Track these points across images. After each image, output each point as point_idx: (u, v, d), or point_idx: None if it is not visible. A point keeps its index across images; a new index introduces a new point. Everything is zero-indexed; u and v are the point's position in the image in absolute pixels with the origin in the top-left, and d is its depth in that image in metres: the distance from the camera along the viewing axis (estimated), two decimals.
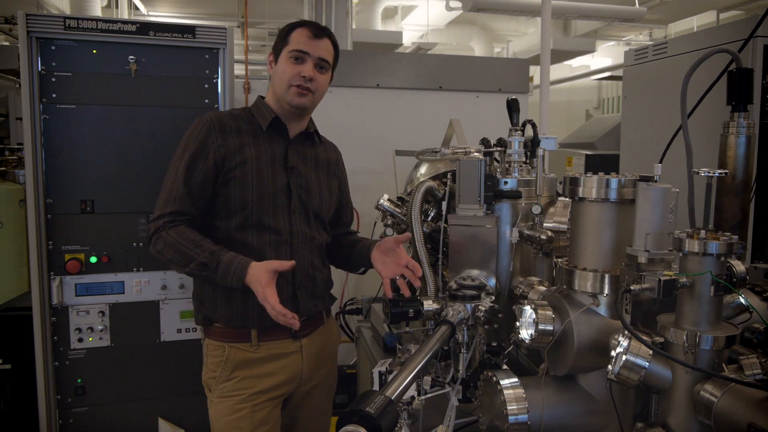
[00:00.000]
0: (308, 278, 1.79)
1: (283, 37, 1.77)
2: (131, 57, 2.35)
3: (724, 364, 1.10)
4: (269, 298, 1.52)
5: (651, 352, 1.10)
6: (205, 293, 1.77)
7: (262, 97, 1.85)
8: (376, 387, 1.44)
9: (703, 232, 1.11)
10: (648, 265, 1.15)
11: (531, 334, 1.26)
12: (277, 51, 1.78)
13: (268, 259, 1.68)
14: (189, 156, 1.69)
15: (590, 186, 1.26)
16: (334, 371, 2.00)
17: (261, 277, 1.55)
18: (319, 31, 1.76)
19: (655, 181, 1.17)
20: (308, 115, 1.86)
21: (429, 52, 8.01)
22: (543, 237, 1.53)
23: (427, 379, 1.39)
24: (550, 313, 1.28)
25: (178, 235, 1.63)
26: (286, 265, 1.60)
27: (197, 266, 1.60)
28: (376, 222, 2.17)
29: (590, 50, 8.22)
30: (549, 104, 3.64)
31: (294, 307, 1.76)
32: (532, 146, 1.73)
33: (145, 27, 2.36)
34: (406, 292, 1.64)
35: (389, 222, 2.07)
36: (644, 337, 1.11)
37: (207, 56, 2.46)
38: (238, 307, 1.72)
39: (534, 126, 1.78)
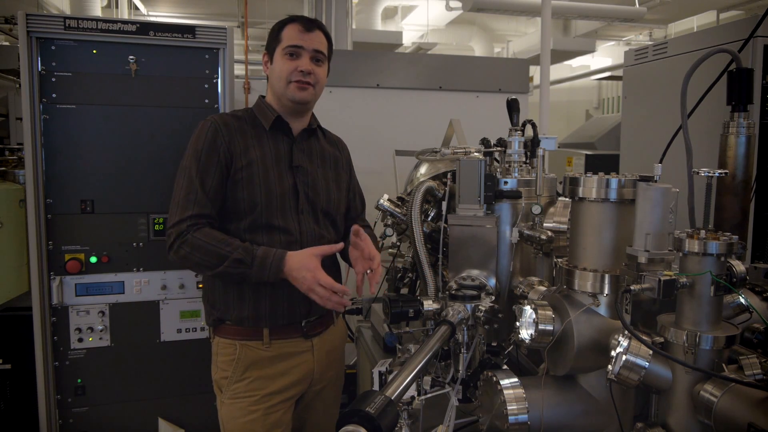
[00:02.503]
0: None
1: (274, 35, 1.76)
2: (131, 57, 2.35)
3: (724, 364, 1.10)
4: (323, 280, 1.54)
5: (651, 352, 1.10)
6: (216, 295, 1.77)
7: (263, 97, 1.84)
8: (376, 387, 1.44)
9: (703, 232, 1.11)
10: (648, 265, 1.15)
11: (531, 334, 1.26)
12: (270, 50, 1.77)
13: None
14: (201, 159, 1.68)
15: (590, 186, 1.26)
16: (342, 372, 2.01)
17: (307, 263, 1.56)
18: (310, 24, 1.75)
19: (655, 181, 1.17)
20: (310, 111, 1.86)
21: (429, 52, 8.01)
22: (543, 237, 1.53)
23: (427, 379, 1.39)
24: (550, 313, 1.28)
25: (205, 237, 1.62)
26: (335, 248, 1.60)
27: (231, 263, 1.59)
28: (376, 222, 2.17)
29: (590, 50, 8.23)
30: (549, 104, 3.64)
31: (307, 306, 1.76)
32: (532, 146, 1.73)
33: (145, 27, 2.36)
34: (359, 290, 1.66)
35: (389, 222, 2.07)
36: (644, 337, 1.11)
37: (207, 56, 2.46)
38: (249, 308, 1.72)
39: (534, 126, 1.78)
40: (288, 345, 1.77)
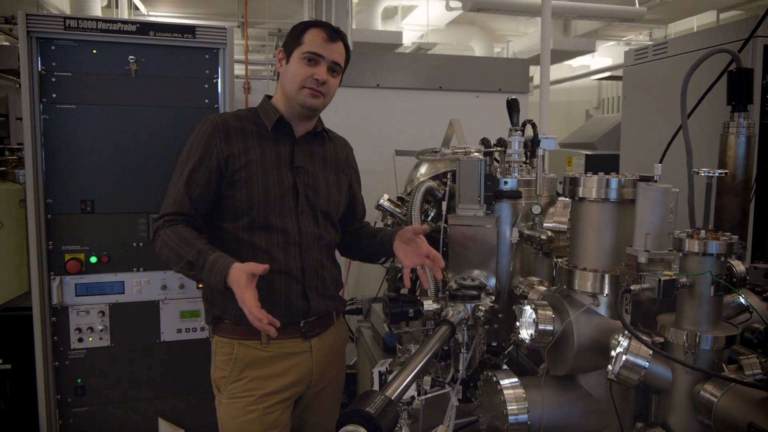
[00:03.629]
0: (318, 278, 1.79)
1: (296, 36, 1.74)
2: (131, 57, 2.35)
3: (724, 364, 1.10)
4: (247, 301, 1.47)
5: (651, 352, 1.10)
6: (214, 293, 1.77)
7: (269, 97, 1.84)
8: (376, 387, 1.44)
9: (703, 232, 1.11)
10: (648, 265, 1.15)
11: (531, 334, 1.26)
12: (288, 50, 1.76)
13: (277, 260, 1.69)
14: (193, 159, 1.69)
15: (590, 186, 1.26)
16: (342, 373, 2.00)
17: (240, 279, 1.50)
18: (333, 34, 1.74)
19: (655, 181, 1.17)
20: (316, 117, 1.86)
21: (429, 52, 8.00)
22: (543, 237, 1.53)
23: (427, 379, 1.39)
24: (550, 313, 1.28)
25: (173, 234, 1.63)
26: (260, 269, 1.52)
27: (185, 265, 1.59)
28: (376, 222, 2.17)
29: (590, 50, 8.22)
30: (549, 104, 3.64)
31: (305, 307, 1.76)
32: (532, 146, 1.73)
33: (145, 27, 2.36)
34: (426, 283, 1.65)
35: (389, 222, 2.07)
36: (644, 337, 1.11)
37: (207, 56, 2.46)
38: None
39: (534, 126, 1.78)
40: (286, 345, 1.77)
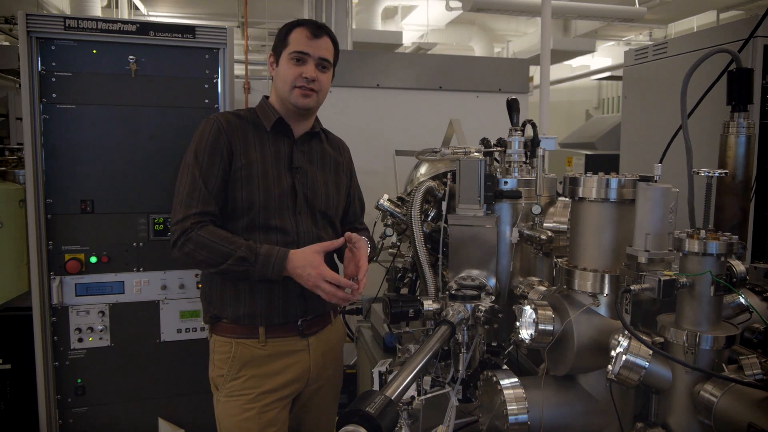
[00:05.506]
0: None
1: (282, 38, 1.77)
2: (131, 57, 2.35)
3: (724, 364, 1.10)
4: (328, 275, 1.56)
5: (651, 352, 1.10)
6: (213, 293, 1.78)
7: (267, 98, 1.85)
8: (376, 387, 1.44)
9: (703, 232, 1.11)
10: (648, 265, 1.15)
11: (531, 334, 1.26)
12: (277, 52, 1.78)
13: None
14: (205, 157, 1.69)
15: (590, 186, 1.26)
16: (340, 371, 2.01)
17: (311, 260, 1.58)
18: (318, 30, 1.75)
19: (655, 181, 1.17)
20: (313, 115, 1.87)
21: (429, 52, 8.00)
22: (543, 237, 1.53)
23: (427, 379, 1.39)
24: (550, 313, 1.28)
25: (209, 234, 1.63)
26: (336, 243, 1.63)
27: (235, 261, 1.60)
28: (376, 222, 2.17)
29: (590, 50, 8.21)
30: (549, 104, 3.64)
31: (302, 306, 1.77)
32: (532, 146, 1.73)
33: (145, 27, 2.36)
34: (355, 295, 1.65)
35: (389, 222, 2.07)
36: (644, 337, 1.11)
37: (207, 56, 2.46)
38: (245, 306, 1.73)
39: (534, 126, 1.78)
40: (284, 343, 1.77)
